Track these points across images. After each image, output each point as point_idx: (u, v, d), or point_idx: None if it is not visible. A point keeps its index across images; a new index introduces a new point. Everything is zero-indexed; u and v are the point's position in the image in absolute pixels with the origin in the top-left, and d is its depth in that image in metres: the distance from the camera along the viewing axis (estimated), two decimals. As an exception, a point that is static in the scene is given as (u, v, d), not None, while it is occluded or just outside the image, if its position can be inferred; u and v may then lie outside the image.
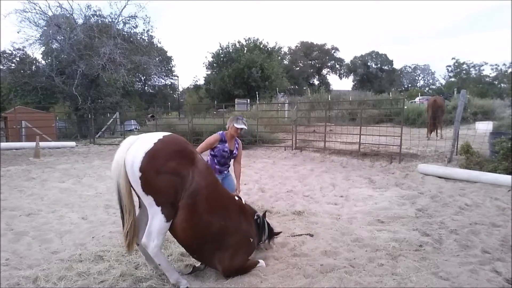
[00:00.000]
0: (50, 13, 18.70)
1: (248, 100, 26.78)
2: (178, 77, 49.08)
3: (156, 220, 2.79)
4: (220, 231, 3.06)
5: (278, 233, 4.11)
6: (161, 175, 2.70)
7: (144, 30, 22.84)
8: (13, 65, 22.21)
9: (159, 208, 2.76)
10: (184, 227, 2.86)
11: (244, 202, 3.61)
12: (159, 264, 2.94)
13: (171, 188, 2.75)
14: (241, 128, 4.33)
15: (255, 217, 3.59)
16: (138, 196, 2.88)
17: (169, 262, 3.07)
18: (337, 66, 64.90)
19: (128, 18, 20.42)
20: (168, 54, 40.29)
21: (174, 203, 2.81)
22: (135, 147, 2.74)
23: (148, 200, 2.75)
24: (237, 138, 4.49)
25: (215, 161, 4.45)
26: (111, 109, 21.78)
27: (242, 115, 4.73)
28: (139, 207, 3.13)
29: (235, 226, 3.20)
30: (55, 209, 5.62)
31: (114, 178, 2.83)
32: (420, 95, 34.73)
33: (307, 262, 3.60)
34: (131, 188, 2.79)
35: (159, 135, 2.86)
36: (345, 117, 18.42)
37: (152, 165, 2.68)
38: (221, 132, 4.45)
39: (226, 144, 4.38)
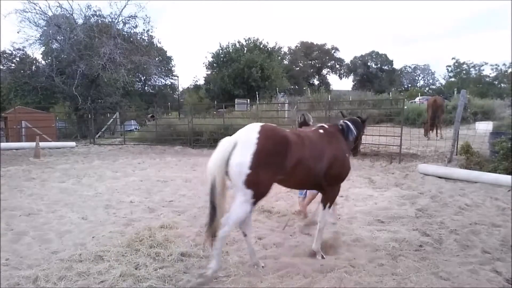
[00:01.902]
0: (50, 13, 18.71)
1: (248, 100, 26.78)
2: (178, 77, 48.95)
3: (242, 208, 3.10)
4: (327, 167, 3.53)
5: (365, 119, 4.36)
6: (265, 170, 3.06)
7: (144, 30, 22.75)
8: (13, 65, 22.19)
9: (253, 200, 3.11)
10: (299, 183, 3.60)
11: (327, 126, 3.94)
12: (216, 247, 3.18)
13: (269, 181, 3.17)
14: (312, 122, 5.01)
15: (339, 126, 3.93)
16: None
17: (221, 252, 3.33)
18: (337, 66, 64.90)
19: (128, 18, 20.41)
20: (168, 54, 40.28)
21: (265, 194, 3.24)
22: (240, 149, 3.05)
23: (246, 192, 3.05)
24: None
25: None
26: (111, 109, 21.75)
27: (305, 112, 5.38)
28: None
29: (333, 154, 3.60)
30: (55, 209, 5.61)
31: (212, 176, 3.08)
32: (420, 95, 34.76)
33: (307, 262, 3.60)
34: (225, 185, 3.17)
35: (255, 132, 3.11)
36: (345, 114, 18.38)
37: (259, 163, 3.01)
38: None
39: None
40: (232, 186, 3.16)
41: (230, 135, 3.17)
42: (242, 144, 3.07)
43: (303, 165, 3.31)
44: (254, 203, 3.18)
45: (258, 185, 3.07)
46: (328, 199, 3.78)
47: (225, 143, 3.14)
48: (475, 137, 9.27)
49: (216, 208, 3.13)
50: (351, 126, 3.96)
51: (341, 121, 4.03)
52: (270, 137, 3.14)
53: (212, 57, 35.94)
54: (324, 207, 3.76)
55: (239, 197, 3.09)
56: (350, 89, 55.69)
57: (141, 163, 10.71)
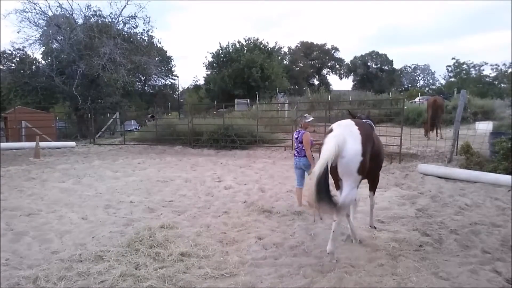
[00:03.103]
0: (50, 13, 18.67)
1: (248, 100, 26.76)
2: (178, 77, 48.97)
3: (353, 192, 3.60)
4: (379, 157, 4.19)
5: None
6: (367, 157, 3.58)
7: (144, 30, 22.70)
8: (13, 65, 22.14)
9: (358, 184, 3.68)
10: (368, 170, 3.80)
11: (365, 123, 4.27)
12: (333, 231, 3.64)
13: (367, 166, 3.62)
14: (311, 120, 5.76)
15: (367, 123, 4.30)
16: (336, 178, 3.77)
17: (337, 235, 3.77)
18: (337, 66, 64.89)
19: (128, 18, 20.35)
20: (168, 54, 40.28)
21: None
22: (351, 141, 3.53)
23: (356, 178, 3.56)
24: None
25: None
26: (111, 109, 21.71)
27: (305, 113, 6.44)
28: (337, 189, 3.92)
29: (379, 147, 4.19)
30: (55, 209, 5.62)
31: (327, 161, 3.37)
32: (420, 95, 34.75)
33: (307, 262, 3.60)
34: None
35: (354, 126, 3.68)
36: (345, 117, 18.39)
37: (366, 151, 3.56)
38: (302, 131, 5.67)
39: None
40: (343, 174, 3.58)
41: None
42: (351, 136, 3.56)
43: (375, 152, 3.84)
44: (358, 185, 3.73)
45: (364, 169, 3.57)
46: (375, 187, 4.56)
47: (335, 140, 3.49)
48: (475, 137, 9.26)
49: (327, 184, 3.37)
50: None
51: (365, 120, 4.45)
52: (366, 129, 3.72)
53: (212, 57, 35.90)
54: (374, 192, 4.57)
55: (349, 184, 3.56)
56: (350, 89, 55.72)
57: (141, 163, 10.71)
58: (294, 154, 5.86)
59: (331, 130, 3.78)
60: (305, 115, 5.93)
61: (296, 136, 5.81)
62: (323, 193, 3.27)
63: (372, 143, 3.74)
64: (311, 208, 3.51)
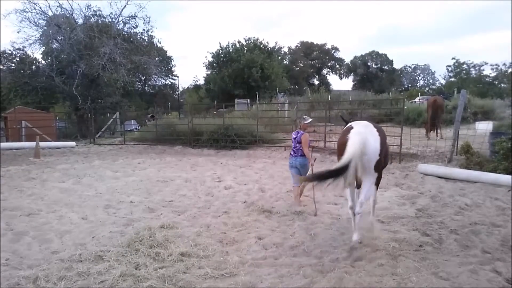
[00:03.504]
0: (50, 13, 18.67)
1: (248, 100, 26.75)
2: (178, 77, 48.96)
3: (372, 188, 4.04)
4: (388, 157, 4.59)
5: None
6: (382, 156, 3.88)
7: (144, 30, 22.68)
8: (13, 65, 22.15)
9: (376, 180, 4.01)
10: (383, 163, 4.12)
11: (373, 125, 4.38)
12: (356, 223, 3.87)
13: (381, 165, 3.97)
14: (310, 122, 5.95)
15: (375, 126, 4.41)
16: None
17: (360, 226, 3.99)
18: (337, 66, 64.86)
19: (128, 18, 20.34)
20: (168, 54, 40.28)
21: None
22: (372, 140, 3.79)
23: (374, 175, 3.89)
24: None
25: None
26: (111, 109, 21.72)
27: (304, 115, 6.63)
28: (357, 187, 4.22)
29: (388, 148, 4.58)
30: (55, 209, 5.62)
31: (354, 159, 3.50)
32: (420, 95, 34.77)
33: (307, 262, 3.60)
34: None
35: (371, 127, 3.97)
36: (345, 117, 18.38)
37: (382, 150, 3.86)
38: (301, 132, 5.77)
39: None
40: (363, 171, 3.73)
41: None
42: (372, 136, 3.82)
43: (384, 152, 4.05)
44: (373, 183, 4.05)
45: (379, 168, 3.90)
46: (379, 182, 4.54)
47: (360, 136, 3.71)
48: (475, 137, 9.26)
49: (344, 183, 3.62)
50: None
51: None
52: (381, 131, 4.02)
53: (212, 57, 35.89)
54: (377, 187, 4.59)
55: (369, 181, 3.86)
56: (350, 89, 55.72)
57: (141, 163, 10.71)
58: (291, 154, 5.94)
59: (351, 127, 3.98)
60: (304, 116, 5.99)
61: (294, 137, 5.85)
62: (330, 176, 3.48)
63: (385, 145, 4.03)
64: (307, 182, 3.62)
